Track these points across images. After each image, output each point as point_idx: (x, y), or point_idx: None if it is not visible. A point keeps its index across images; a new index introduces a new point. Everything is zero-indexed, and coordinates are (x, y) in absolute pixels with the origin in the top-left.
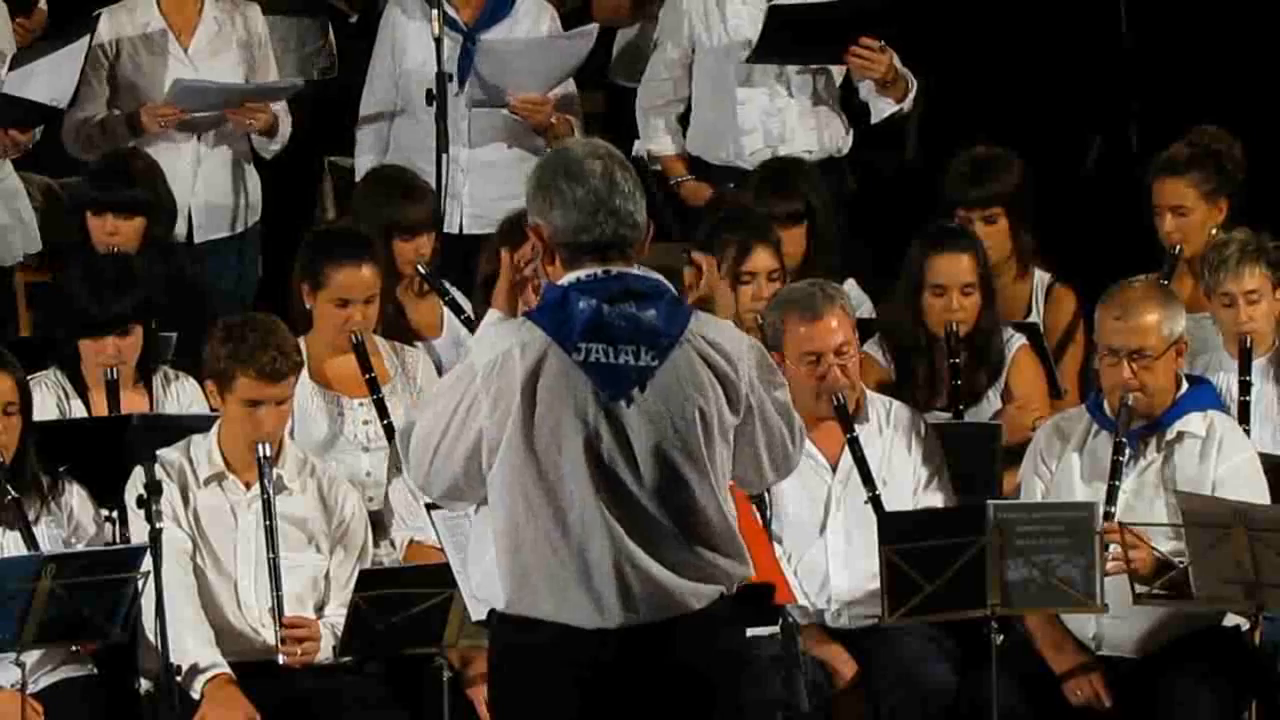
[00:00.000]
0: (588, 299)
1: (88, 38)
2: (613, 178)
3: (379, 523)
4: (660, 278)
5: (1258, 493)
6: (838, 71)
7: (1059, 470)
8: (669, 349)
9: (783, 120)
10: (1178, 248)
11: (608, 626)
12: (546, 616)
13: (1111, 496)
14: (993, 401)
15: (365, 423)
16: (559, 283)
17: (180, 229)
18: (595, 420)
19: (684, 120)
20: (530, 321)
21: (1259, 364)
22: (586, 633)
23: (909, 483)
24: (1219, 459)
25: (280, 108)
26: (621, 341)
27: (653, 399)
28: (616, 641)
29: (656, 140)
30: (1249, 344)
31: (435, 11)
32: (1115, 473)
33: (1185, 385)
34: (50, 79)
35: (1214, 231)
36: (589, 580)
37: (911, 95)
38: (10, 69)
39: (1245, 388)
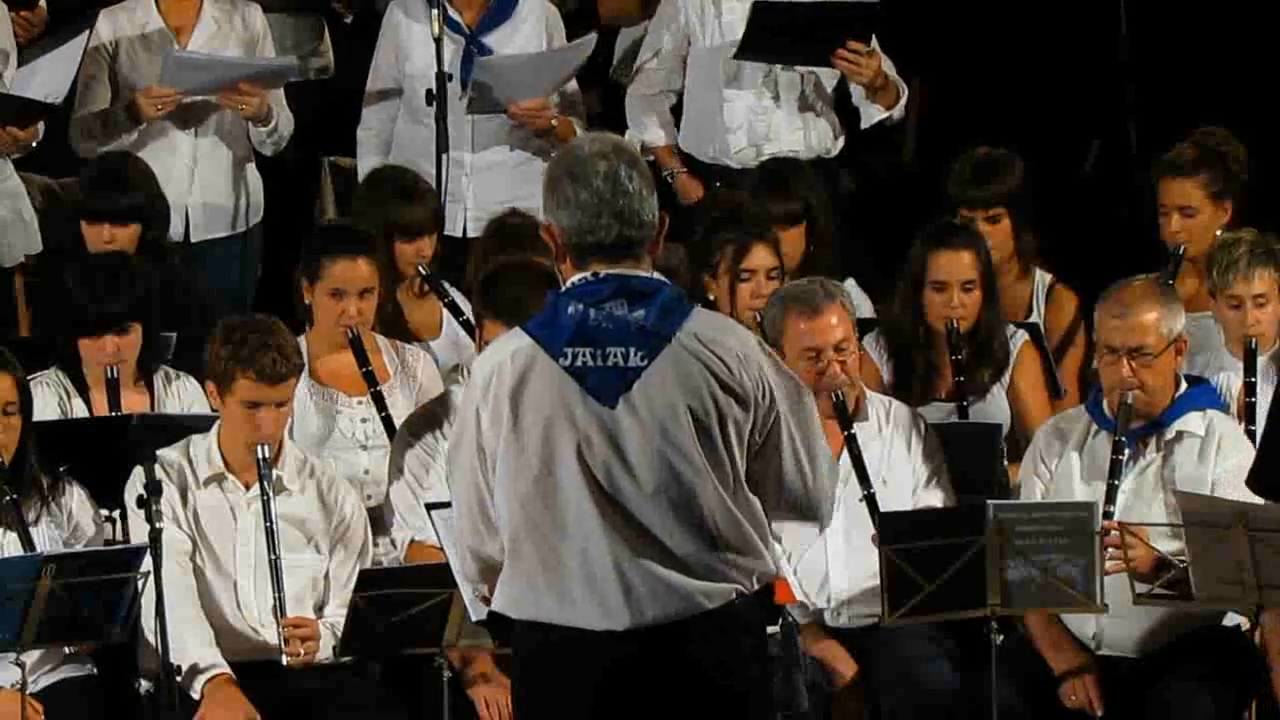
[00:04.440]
0: (575, 304)
1: (86, 34)
2: (616, 178)
3: (378, 520)
4: (662, 278)
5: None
6: (831, 74)
7: (1058, 470)
8: (659, 349)
9: (768, 120)
10: (1181, 248)
11: (615, 628)
12: (555, 620)
13: (1111, 496)
14: (997, 397)
15: (363, 420)
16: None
17: (177, 229)
18: (585, 424)
19: (675, 113)
20: (521, 330)
21: (1260, 364)
22: (596, 635)
23: (908, 482)
24: (1218, 459)
25: (279, 104)
26: (609, 344)
27: (643, 400)
28: (627, 643)
29: (649, 131)
30: (1254, 345)
31: (435, 11)
32: (1114, 472)
33: (1184, 385)
34: (48, 75)
35: (1218, 233)
36: (592, 582)
37: (902, 103)
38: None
39: (1250, 389)
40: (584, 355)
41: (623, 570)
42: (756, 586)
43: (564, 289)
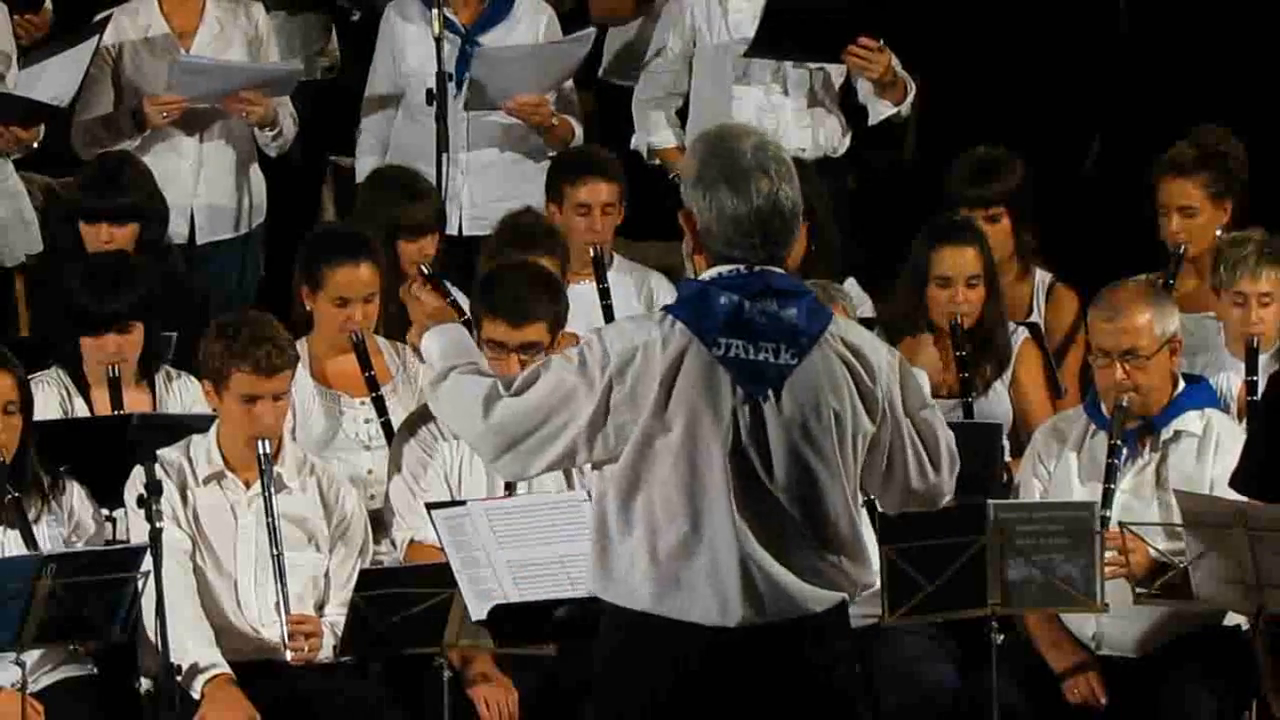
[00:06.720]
0: (729, 295)
1: (96, 38)
2: (777, 199)
3: (380, 521)
4: (801, 281)
5: None
6: (838, 72)
7: (1057, 471)
8: (808, 349)
9: (777, 119)
10: (1182, 248)
11: (728, 625)
12: (671, 615)
13: (1106, 500)
14: (1000, 393)
15: (366, 421)
16: (701, 277)
17: (182, 230)
18: (733, 416)
19: (682, 115)
20: (670, 315)
21: (1261, 363)
22: (706, 630)
23: None
24: (1216, 457)
25: (282, 104)
26: (762, 339)
27: (789, 398)
28: (734, 640)
29: (657, 133)
30: (1255, 344)
31: (435, 11)
32: (1109, 476)
33: (1182, 384)
34: (55, 78)
35: (1218, 232)
36: (716, 577)
37: (910, 98)
38: (21, 68)
39: (1252, 387)
40: (737, 346)
41: (748, 567)
42: (859, 596)
43: (710, 277)
